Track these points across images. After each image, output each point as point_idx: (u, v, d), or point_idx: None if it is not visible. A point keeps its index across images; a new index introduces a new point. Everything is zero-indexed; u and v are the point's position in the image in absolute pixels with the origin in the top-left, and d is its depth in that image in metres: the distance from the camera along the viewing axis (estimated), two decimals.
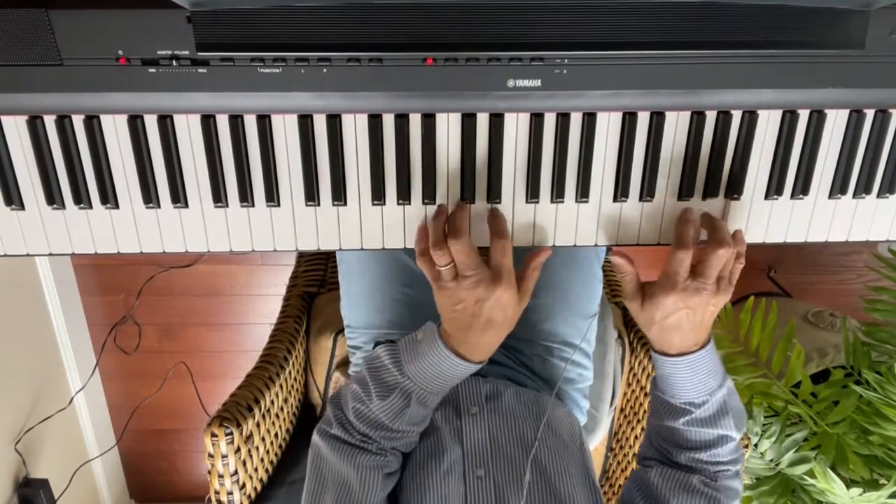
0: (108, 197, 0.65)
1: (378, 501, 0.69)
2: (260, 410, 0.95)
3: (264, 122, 0.64)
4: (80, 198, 0.65)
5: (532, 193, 0.68)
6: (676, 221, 0.68)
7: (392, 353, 0.70)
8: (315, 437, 0.74)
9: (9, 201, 0.65)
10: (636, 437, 1.18)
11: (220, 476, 0.89)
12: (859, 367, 1.15)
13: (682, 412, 0.70)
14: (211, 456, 0.87)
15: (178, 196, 0.66)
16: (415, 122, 0.65)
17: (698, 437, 0.71)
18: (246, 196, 0.66)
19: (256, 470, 0.97)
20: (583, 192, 0.68)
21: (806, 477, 1.14)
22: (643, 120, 0.66)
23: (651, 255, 1.85)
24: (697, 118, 0.66)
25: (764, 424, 1.15)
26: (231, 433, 0.86)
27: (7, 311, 1.54)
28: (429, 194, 0.67)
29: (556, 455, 0.76)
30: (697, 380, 0.68)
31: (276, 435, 1.04)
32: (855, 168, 0.70)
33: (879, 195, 0.72)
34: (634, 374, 1.18)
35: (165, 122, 0.63)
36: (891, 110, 0.68)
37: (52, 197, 0.65)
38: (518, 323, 0.99)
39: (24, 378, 1.60)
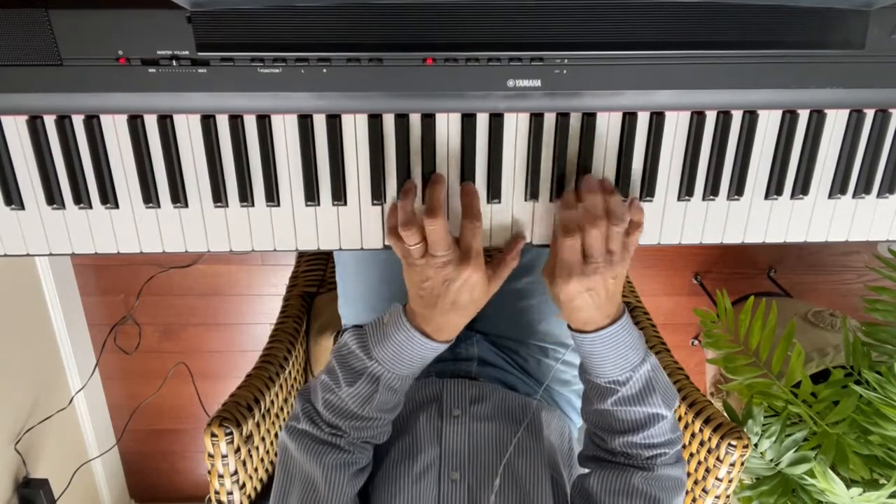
0: (108, 197, 0.65)
1: (344, 501, 0.68)
2: (260, 410, 0.94)
3: (264, 122, 0.64)
4: (80, 198, 0.65)
5: (532, 193, 0.68)
6: (557, 209, 0.67)
7: (359, 338, 0.70)
8: (283, 435, 0.73)
9: (9, 201, 0.65)
10: None
11: (220, 476, 0.89)
12: (859, 367, 1.14)
13: (609, 392, 0.69)
14: (211, 456, 0.87)
15: (178, 196, 0.66)
16: (415, 122, 0.65)
17: (629, 418, 0.70)
18: (246, 196, 0.66)
19: (256, 470, 0.96)
20: None
21: (806, 477, 1.14)
22: (643, 120, 0.66)
23: (652, 255, 1.85)
24: (697, 118, 0.66)
25: (764, 424, 1.15)
26: (231, 433, 0.86)
27: (7, 311, 1.54)
28: None
29: (534, 462, 0.75)
30: (617, 355, 0.67)
31: (275, 435, 1.04)
32: (855, 168, 0.70)
33: (879, 195, 0.72)
34: None
35: (165, 122, 0.63)
36: (891, 110, 0.68)
37: (52, 197, 0.65)
38: (513, 324, 1.00)
39: (24, 378, 1.60)
